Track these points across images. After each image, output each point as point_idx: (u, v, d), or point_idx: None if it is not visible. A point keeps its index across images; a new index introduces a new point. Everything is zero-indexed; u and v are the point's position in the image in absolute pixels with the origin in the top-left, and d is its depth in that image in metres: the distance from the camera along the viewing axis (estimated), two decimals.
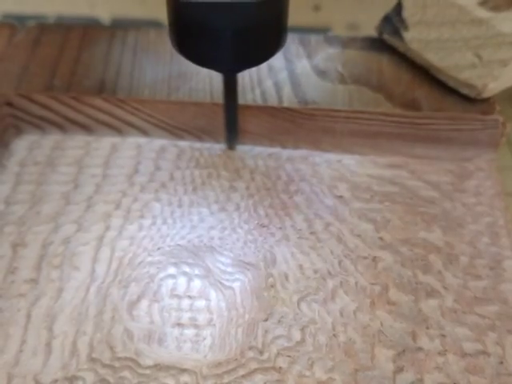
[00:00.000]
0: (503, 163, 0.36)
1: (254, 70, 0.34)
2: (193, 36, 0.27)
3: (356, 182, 0.33)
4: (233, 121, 0.32)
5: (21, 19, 0.46)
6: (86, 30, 0.37)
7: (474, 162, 0.34)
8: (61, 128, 0.34)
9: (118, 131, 0.34)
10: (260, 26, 0.27)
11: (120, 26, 0.38)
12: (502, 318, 0.28)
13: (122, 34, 0.36)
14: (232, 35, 0.26)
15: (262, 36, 0.27)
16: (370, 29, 0.38)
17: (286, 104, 0.33)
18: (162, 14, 0.29)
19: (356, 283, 0.28)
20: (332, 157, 0.34)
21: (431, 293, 0.28)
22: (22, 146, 0.34)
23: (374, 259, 0.29)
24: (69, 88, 0.33)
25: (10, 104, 0.34)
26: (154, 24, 0.31)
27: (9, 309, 0.27)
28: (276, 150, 0.34)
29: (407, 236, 0.30)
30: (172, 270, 0.29)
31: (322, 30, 0.45)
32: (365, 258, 0.29)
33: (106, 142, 0.34)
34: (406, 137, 0.34)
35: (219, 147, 0.34)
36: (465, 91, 0.33)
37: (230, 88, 0.30)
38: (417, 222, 0.31)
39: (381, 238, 0.30)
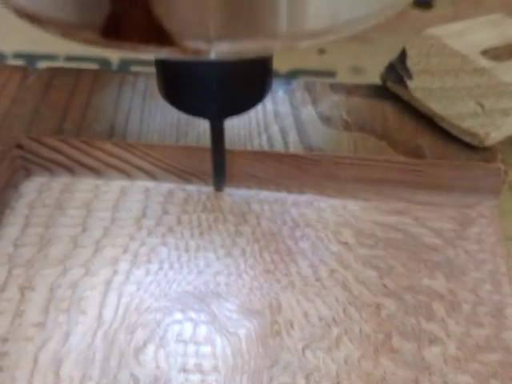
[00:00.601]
0: (505, 207, 0.36)
1: (260, 115, 0.35)
2: (178, 85, 0.27)
3: (360, 228, 0.33)
4: (220, 165, 0.32)
5: (32, 58, 0.47)
6: (97, 74, 0.38)
7: (476, 209, 0.34)
8: (70, 171, 0.35)
9: (127, 175, 0.35)
10: (245, 75, 0.27)
11: (129, 67, 0.39)
12: (504, 366, 0.28)
13: (132, 79, 0.37)
14: (217, 85, 0.27)
15: (247, 84, 0.28)
16: (374, 73, 0.38)
17: (291, 150, 0.34)
18: None
19: (360, 331, 0.29)
20: (337, 202, 0.35)
21: (434, 340, 0.29)
22: (31, 188, 0.35)
23: (378, 306, 0.30)
24: (79, 132, 0.34)
25: (20, 146, 0.34)
26: None
27: (16, 352, 0.27)
28: (282, 194, 0.35)
29: (411, 283, 0.31)
30: (178, 316, 0.29)
31: (326, 74, 0.46)
32: (369, 305, 0.30)
33: (114, 186, 0.35)
34: (409, 183, 0.34)
35: (226, 192, 0.35)
36: (467, 139, 0.34)
37: (217, 134, 0.31)
38: (420, 269, 0.31)
39: (385, 285, 0.31)
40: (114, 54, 0.47)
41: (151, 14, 0.17)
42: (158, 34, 0.17)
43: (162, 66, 0.27)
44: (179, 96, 0.28)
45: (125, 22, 0.17)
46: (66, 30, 0.18)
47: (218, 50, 0.18)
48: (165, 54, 0.18)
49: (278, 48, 0.19)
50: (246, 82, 0.28)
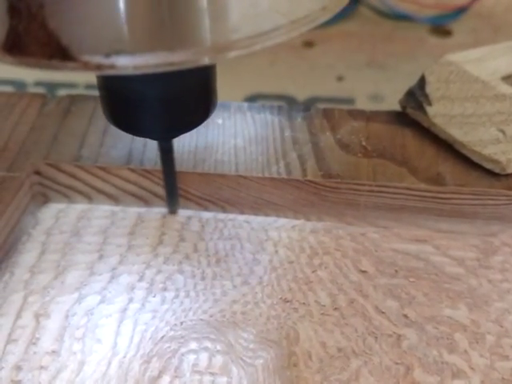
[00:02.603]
0: None
1: (278, 142, 0.35)
2: (122, 107, 0.27)
3: (380, 256, 0.33)
4: (172, 185, 0.32)
5: (52, 87, 0.47)
6: None
7: (499, 237, 0.34)
8: (87, 197, 0.35)
9: (145, 201, 0.35)
10: (188, 94, 0.27)
11: None
12: None
13: None
14: (160, 105, 0.27)
15: (191, 103, 0.28)
16: (393, 100, 0.38)
17: (310, 177, 0.33)
18: None
19: (380, 363, 0.28)
20: (356, 230, 0.34)
21: (457, 373, 0.28)
22: (48, 214, 0.35)
23: (399, 337, 0.29)
24: (97, 158, 0.34)
25: (38, 173, 0.34)
26: None
27: (30, 381, 0.27)
28: (300, 222, 0.34)
29: (432, 313, 0.30)
30: (194, 346, 0.28)
31: (345, 101, 0.45)
32: (389, 336, 0.29)
33: (132, 212, 0.35)
34: (430, 211, 0.33)
35: (243, 219, 0.34)
36: (489, 166, 0.33)
37: (167, 154, 0.31)
38: (442, 299, 0.31)
39: (405, 316, 0.30)
40: None
41: (48, 29, 0.17)
42: (58, 50, 0.18)
43: (105, 88, 0.27)
44: (124, 118, 0.28)
45: (26, 39, 0.18)
46: None
47: (121, 65, 0.18)
48: (69, 69, 0.18)
49: (184, 62, 0.19)
50: (190, 101, 0.28)
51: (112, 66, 0.18)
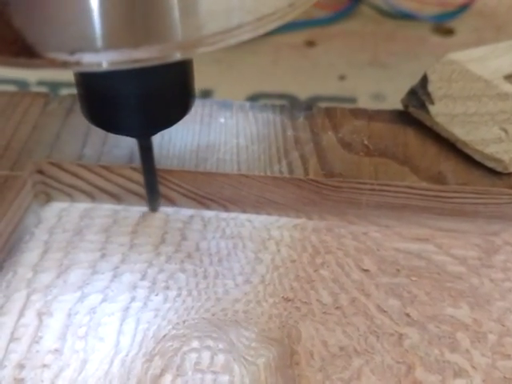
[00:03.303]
0: None
1: (280, 141, 0.35)
2: (100, 105, 0.27)
3: (382, 255, 0.33)
4: (152, 183, 0.32)
5: (54, 86, 0.47)
6: None
7: (501, 236, 0.34)
8: (90, 196, 0.35)
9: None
10: (165, 90, 0.27)
11: None
12: None
13: None
14: (137, 102, 0.27)
15: (168, 100, 0.28)
16: (395, 99, 0.38)
17: (311, 175, 0.33)
18: None
19: (382, 361, 0.28)
20: (358, 229, 0.34)
21: (459, 372, 0.28)
22: (51, 213, 0.35)
23: (401, 336, 0.29)
24: (99, 157, 0.34)
25: (41, 172, 0.34)
26: None
27: (32, 380, 0.27)
28: (302, 220, 0.34)
29: (434, 312, 0.30)
30: (196, 344, 0.28)
31: (347, 100, 0.45)
32: (391, 334, 0.29)
33: (134, 211, 0.35)
34: (432, 210, 0.33)
35: (245, 217, 0.34)
36: (491, 165, 0.33)
37: (146, 151, 0.31)
38: (444, 298, 0.31)
39: (407, 314, 0.30)
40: None
41: (13, 27, 0.18)
42: (24, 48, 0.18)
43: (81, 86, 0.27)
44: (101, 116, 0.28)
45: None
46: None
47: (87, 62, 0.18)
48: (36, 66, 0.19)
49: (149, 59, 0.19)
50: (166, 98, 0.28)
51: (78, 63, 0.18)
